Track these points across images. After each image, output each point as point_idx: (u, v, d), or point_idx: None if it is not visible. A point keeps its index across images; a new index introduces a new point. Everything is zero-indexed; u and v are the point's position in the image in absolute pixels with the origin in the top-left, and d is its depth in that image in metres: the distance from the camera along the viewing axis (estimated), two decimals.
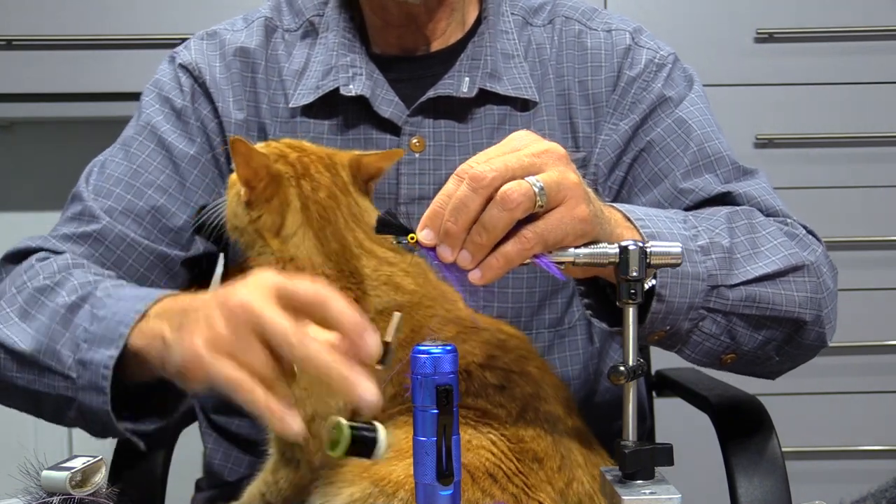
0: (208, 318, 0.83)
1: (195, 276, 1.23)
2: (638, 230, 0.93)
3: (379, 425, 0.91)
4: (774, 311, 1.00)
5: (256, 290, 0.82)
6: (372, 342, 0.80)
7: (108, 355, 0.96)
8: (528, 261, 0.83)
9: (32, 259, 1.12)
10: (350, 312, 0.80)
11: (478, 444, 0.94)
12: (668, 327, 0.96)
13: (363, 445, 0.87)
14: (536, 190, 0.79)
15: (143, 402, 1.02)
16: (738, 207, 1.08)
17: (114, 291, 1.03)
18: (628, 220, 0.94)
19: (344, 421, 0.91)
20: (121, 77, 1.99)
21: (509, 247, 0.81)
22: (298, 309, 0.81)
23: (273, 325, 0.79)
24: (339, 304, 0.80)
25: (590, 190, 0.87)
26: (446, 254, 0.81)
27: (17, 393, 1.05)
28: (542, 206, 0.80)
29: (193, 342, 0.83)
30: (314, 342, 0.79)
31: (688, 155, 1.15)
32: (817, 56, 2.05)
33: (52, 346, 1.01)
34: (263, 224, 1.02)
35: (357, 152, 1.08)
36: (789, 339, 1.03)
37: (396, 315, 0.81)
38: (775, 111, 2.05)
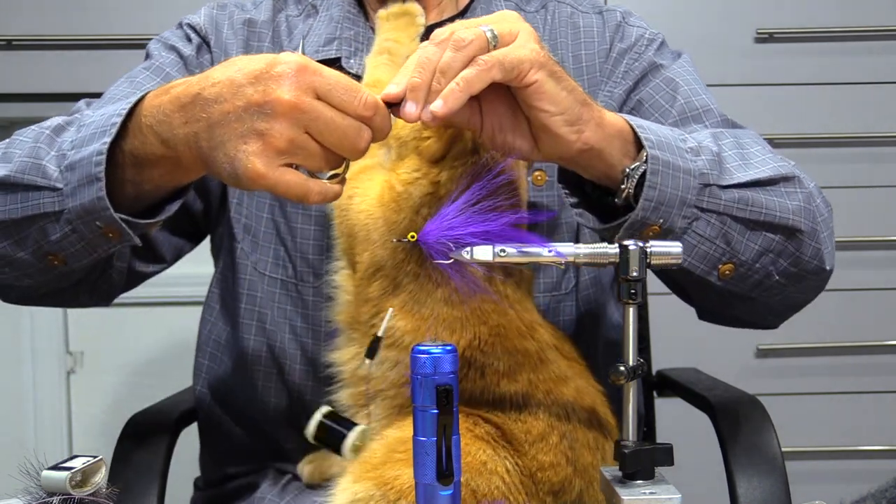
0: (255, 128, 0.83)
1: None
2: (627, 122, 0.95)
3: (360, 427, 0.91)
4: (768, 215, 1.00)
5: (299, 86, 0.83)
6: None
7: (100, 143, 0.93)
8: (541, 257, 0.83)
9: None
10: (387, 129, 0.86)
11: (492, 469, 0.93)
12: (661, 220, 0.96)
13: (331, 437, 0.87)
14: (488, 35, 0.84)
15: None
16: (724, 129, 1.10)
17: (99, 109, 1.02)
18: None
19: (327, 409, 0.91)
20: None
21: (467, 71, 0.84)
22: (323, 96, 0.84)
23: (327, 125, 0.83)
24: (381, 119, 0.85)
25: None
26: (412, 111, 0.84)
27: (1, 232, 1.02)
28: (495, 48, 0.85)
29: (250, 161, 0.83)
30: (368, 140, 0.85)
31: (676, 107, 1.17)
32: (817, 56, 2.05)
33: (36, 163, 0.98)
34: (428, 147, 0.99)
35: None
36: (785, 251, 1.02)
37: (389, 310, 0.81)
38: (775, 111, 2.05)
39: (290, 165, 0.84)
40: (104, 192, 0.93)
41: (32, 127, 1.05)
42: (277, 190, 0.84)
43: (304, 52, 0.89)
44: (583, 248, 0.83)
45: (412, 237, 0.83)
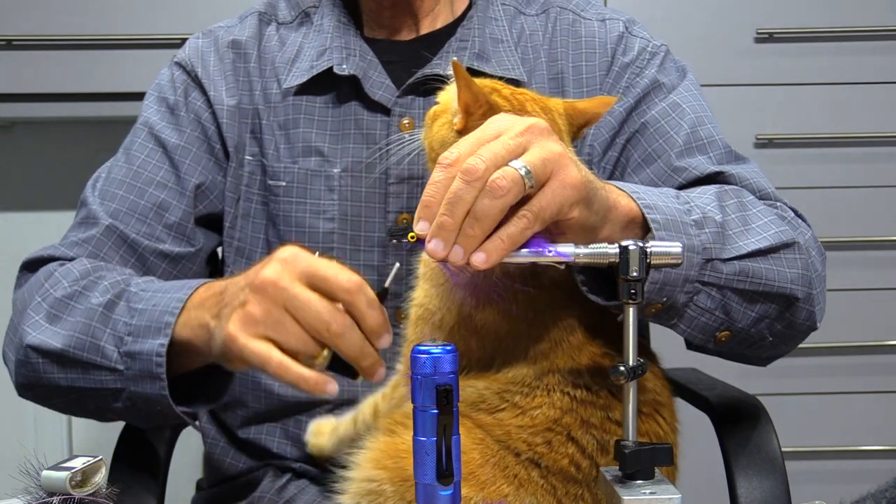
0: (241, 300, 0.90)
1: (210, 272, 1.27)
2: (634, 200, 0.93)
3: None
4: (767, 286, 1.00)
5: (285, 269, 0.88)
6: (385, 343, 0.88)
7: (157, 343, 1.01)
8: (541, 257, 0.83)
9: (50, 267, 1.14)
10: (375, 311, 0.86)
11: (511, 501, 0.93)
12: (664, 299, 0.95)
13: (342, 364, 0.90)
14: (523, 173, 0.79)
15: (191, 387, 1.06)
16: (727, 187, 1.09)
17: (146, 286, 1.08)
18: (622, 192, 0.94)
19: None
20: (121, 77, 1.99)
21: (511, 228, 0.80)
22: (324, 292, 0.87)
23: (302, 304, 0.87)
24: (366, 299, 0.86)
25: (577, 158, 0.86)
26: (438, 249, 0.79)
27: (60, 392, 1.09)
28: (532, 188, 0.80)
29: (228, 326, 0.90)
30: (345, 324, 0.86)
31: (681, 136, 1.16)
32: (817, 56, 2.05)
33: (93, 342, 1.05)
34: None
35: (567, 100, 1.05)
36: (781, 317, 1.03)
37: (396, 266, 0.90)
38: (775, 111, 2.05)
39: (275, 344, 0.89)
40: (166, 391, 1.01)
41: (78, 291, 1.09)
42: (244, 354, 0.89)
43: (389, 283, 0.92)
44: (583, 249, 0.83)
45: (412, 237, 0.83)
